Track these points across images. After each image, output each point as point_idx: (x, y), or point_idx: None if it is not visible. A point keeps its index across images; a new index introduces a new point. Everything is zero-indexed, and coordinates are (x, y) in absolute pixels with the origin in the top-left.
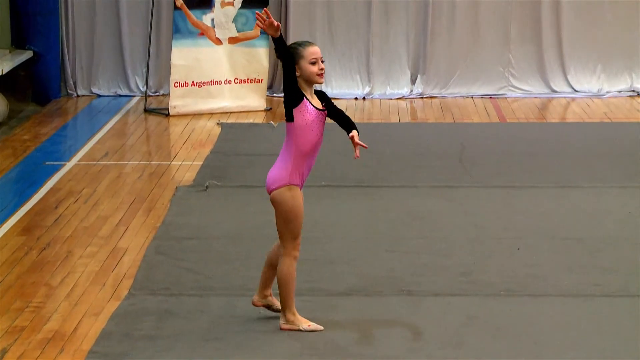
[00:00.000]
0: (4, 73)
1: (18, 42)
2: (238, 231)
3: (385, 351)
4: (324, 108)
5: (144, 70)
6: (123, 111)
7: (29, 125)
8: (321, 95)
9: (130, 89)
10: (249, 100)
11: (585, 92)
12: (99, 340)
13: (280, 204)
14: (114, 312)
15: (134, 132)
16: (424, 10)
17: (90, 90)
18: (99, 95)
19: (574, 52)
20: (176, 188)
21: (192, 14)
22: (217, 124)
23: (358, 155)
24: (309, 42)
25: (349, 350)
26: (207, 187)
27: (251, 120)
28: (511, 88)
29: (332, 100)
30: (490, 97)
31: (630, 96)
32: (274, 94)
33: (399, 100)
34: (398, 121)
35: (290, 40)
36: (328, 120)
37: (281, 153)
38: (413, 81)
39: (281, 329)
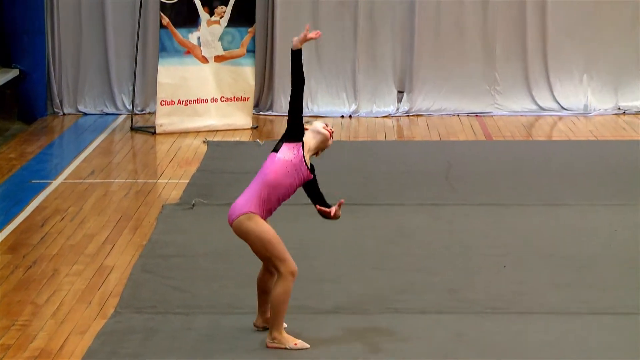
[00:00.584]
0: None
1: (4, 61)
2: (224, 249)
3: None
4: (311, 175)
5: (131, 88)
6: (109, 129)
7: (14, 144)
8: (312, 167)
9: (116, 107)
10: (236, 118)
11: (572, 110)
12: (85, 358)
13: (246, 233)
14: (100, 330)
15: (120, 150)
16: (410, 28)
17: (77, 108)
18: (85, 114)
19: (560, 69)
20: (162, 206)
21: (179, 33)
22: (204, 142)
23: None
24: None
25: None
26: (193, 205)
27: (237, 139)
28: (497, 106)
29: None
30: (477, 115)
31: (616, 114)
32: (260, 112)
33: (385, 119)
34: (384, 139)
35: (277, 59)
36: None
37: (251, 186)
38: (399, 99)
39: (267, 347)
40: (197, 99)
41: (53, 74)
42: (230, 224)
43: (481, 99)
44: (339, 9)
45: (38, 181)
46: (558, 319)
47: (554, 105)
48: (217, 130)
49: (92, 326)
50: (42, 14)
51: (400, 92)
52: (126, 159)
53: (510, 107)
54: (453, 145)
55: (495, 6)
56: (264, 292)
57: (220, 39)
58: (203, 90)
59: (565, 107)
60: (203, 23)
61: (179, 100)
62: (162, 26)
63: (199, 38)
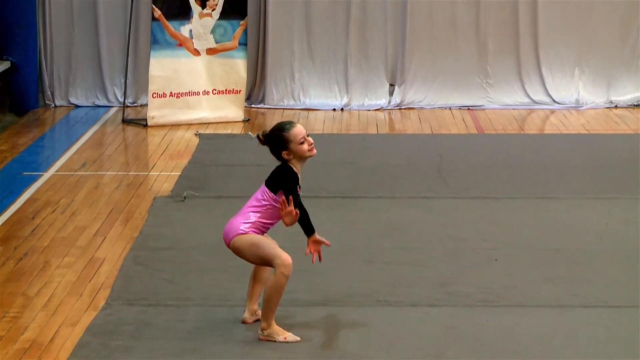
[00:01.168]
0: None
1: None
2: (216, 241)
3: None
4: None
5: (122, 80)
6: (101, 122)
7: (6, 136)
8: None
9: (108, 100)
10: (227, 111)
11: (564, 103)
12: (76, 350)
13: (241, 249)
14: (91, 323)
15: (112, 142)
16: (402, 21)
17: (68, 100)
18: (77, 106)
19: (552, 62)
20: (154, 198)
21: (170, 25)
22: (195, 134)
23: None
24: (289, 123)
25: None
26: (185, 197)
27: (229, 131)
28: (489, 99)
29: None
30: (468, 109)
31: (607, 108)
32: (252, 105)
33: (377, 112)
34: (376, 132)
35: (269, 51)
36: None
37: (249, 207)
38: (391, 92)
39: (259, 339)
40: (189, 92)
41: (45, 66)
42: (227, 245)
43: (473, 92)
44: (332, 2)
45: (29, 173)
46: (549, 312)
47: (546, 99)
48: (209, 123)
49: (83, 318)
50: (33, 6)
51: (392, 85)
52: (118, 152)
53: (502, 101)
54: (445, 138)
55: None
56: (258, 281)
57: (212, 31)
58: (195, 83)
59: (557, 100)
60: (195, 15)
61: (171, 92)
62: (154, 19)
63: (190, 30)
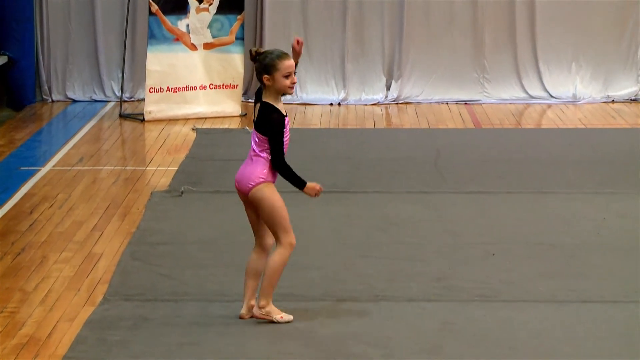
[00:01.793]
0: None
1: None
2: (213, 236)
3: (359, 357)
4: (286, 112)
5: (120, 75)
6: (98, 116)
7: (3, 131)
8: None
9: (105, 95)
10: (224, 105)
11: (561, 98)
12: (74, 345)
13: (262, 199)
14: (88, 318)
15: (109, 137)
16: (399, 16)
17: (66, 95)
18: (74, 101)
19: (549, 57)
20: (151, 193)
21: (167, 20)
22: (192, 129)
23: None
24: (283, 53)
25: (324, 356)
26: (182, 192)
27: (226, 126)
28: (486, 94)
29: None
30: (465, 103)
31: (604, 102)
32: (249, 100)
33: (374, 106)
34: (373, 127)
35: (266, 46)
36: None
37: (253, 155)
38: (388, 87)
39: (255, 315)
40: (186, 86)
41: (42, 60)
42: (246, 193)
43: (470, 87)
44: None
45: (27, 168)
46: (546, 307)
47: (543, 94)
48: (206, 118)
49: (81, 313)
50: (31, 0)
51: (389, 80)
52: (115, 146)
53: (499, 95)
54: (442, 133)
55: None
56: (255, 275)
57: (209, 26)
58: (192, 78)
59: (554, 95)
60: (192, 10)
61: (168, 87)
62: (151, 13)
63: (187, 25)
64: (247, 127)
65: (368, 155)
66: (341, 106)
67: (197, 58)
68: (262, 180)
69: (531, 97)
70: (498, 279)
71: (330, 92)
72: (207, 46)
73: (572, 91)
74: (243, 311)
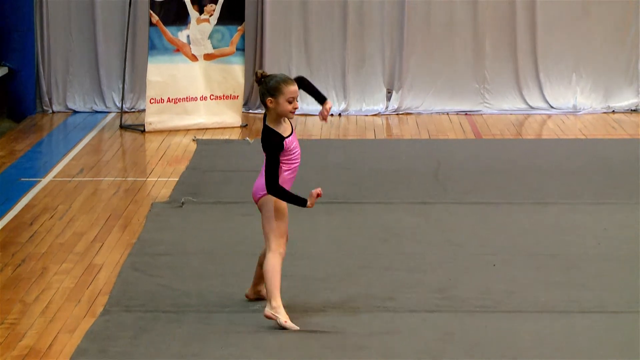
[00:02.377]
0: None
1: None
2: (214, 247)
3: None
4: (292, 130)
5: (120, 86)
6: (99, 127)
7: (3, 142)
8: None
9: (106, 105)
10: (225, 116)
11: (561, 109)
12: (74, 357)
13: (264, 205)
14: (89, 329)
15: (110, 148)
16: (400, 26)
17: (66, 106)
18: (74, 112)
19: (550, 68)
20: (152, 204)
21: (168, 31)
22: (193, 140)
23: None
24: (289, 78)
25: None
26: (182, 203)
27: (227, 137)
28: (487, 104)
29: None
30: (466, 114)
31: (605, 113)
32: (250, 111)
33: (374, 117)
34: (374, 138)
35: (267, 57)
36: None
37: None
38: (388, 98)
39: (265, 314)
40: (187, 97)
41: (42, 71)
42: (256, 202)
43: (471, 98)
44: (329, 7)
45: (27, 179)
46: (548, 317)
47: (544, 105)
48: (207, 129)
49: (81, 325)
50: (31, 11)
51: (390, 90)
52: (115, 157)
53: (500, 106)
54: (442, 143)
55: (484, 5)
56: (262, 266)
57: (210, 37)
58: (192, 89)
59: (554, 106)
60: (192, 21)
61: (169, 98)
62: (151, 24)
63: (188, 36)
64: (247, 138)
65: (369, 166)
66: (342, 117)
67: (197, 69)
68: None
69: (531, 107)
70: (499, 289)
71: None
72: (208, 57)
73: (572, 102)
74: (248, 291)
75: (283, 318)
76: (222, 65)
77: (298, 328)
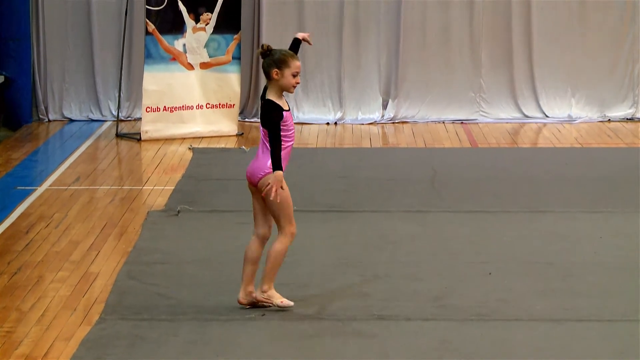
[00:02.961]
0: None
1: None
2: (209, 256)
3: None
4: (289, 106)
5: (116, 95)
6: (95, 136)
7: (0, 150)
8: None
9: (102, 114)
10: (221, 125)
11: (557, 118)
12: None
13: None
14: (85, 337)
15: (106, 157)
16: (395, 35)
17: (62, 115)
18: (71, 120)
19: (545, 77)
20: (148, 213)
21: (164, 39)
22: (189, 148)
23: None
24: (294, 54)
25: None
26: (178, 212)
27: (223, 145)
28: (482, 113)
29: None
30: (462, 122)
31: (601, 121)
32: (246, 119)
33: (370, 126)
34: (370, 146)
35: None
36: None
37: (263, 149)
38: (384, 106)
39: (257, 299)
40: (183, 106)
41: (38, 80)
42: (255, 184)
43: (466, 106)
44: (325, 16)
45: (23, 188)
46: (543, 326)
47: (540, 114)
48: (203, 137)
49: (77, 333)
50: (27, 20)
51: (386, 99)
52: (111, 166)
53: (496, 115)
54: (438, 152)
55: (480, 14)
56: (253, 263)
57: (206, 45)
58: (188, 97)
59: (550, 115)
60: (189, 30)
61: (165, 107)
62: (147, 33)
63: (184, 45)
64: (243, 147)
65: (365, 175)
66: (338, 125)
67: (193, 77)
68: (269, 171)
69: (527, 117)
70: (495, 297)
71: (326, 112)
72: (204, 66)
73: (568, 112)
74: (240, 295)
75: (278, 300)
76: (218, 74)
77: (292, 303)
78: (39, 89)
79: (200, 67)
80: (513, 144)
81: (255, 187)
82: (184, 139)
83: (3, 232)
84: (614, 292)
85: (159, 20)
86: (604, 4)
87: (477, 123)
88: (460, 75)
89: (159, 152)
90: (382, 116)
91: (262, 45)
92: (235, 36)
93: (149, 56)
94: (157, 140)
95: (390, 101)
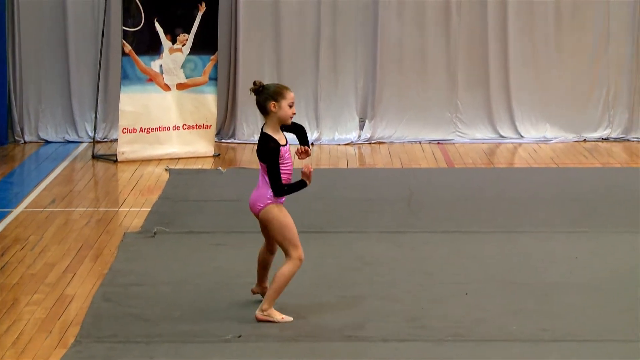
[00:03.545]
0: None
1: None
2: (186, 278)
3: None
4: (286, 141)
5: (93, 116)
6: (71, 157)
7: None
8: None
9: (78, 135)
10: (198, 146)
11: (533, 138)
12: None
13: (271, 220)
14: None
15: (82, 178)
16: (372, 56)
17: (38, 136)
18: (46, 142)
19: (522, 98)
20: (124, 234)
21: (141, 60)
22: (166, 170)
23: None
24: (287, 86)
25: None
26: (155, 233)
27: (199, 166)
28: (459, 133)
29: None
30: (438, 143)
31: (576, 141)
32: (222, 140)
33: (347, 146)
34: (346, 167)
35: (240, 86)
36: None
37: (262, 181)
38: (361, 127)
39: (257, 318)
40: (159, 127)
41: (14, 101)
42: (257, 214)
43: (443, 127)
44: (302, 37)
45: None
46: (519, 346)
47: (515, 134)
48: (179, 158)
49: (53, 356)
50: (3, 40)
51: (362, 119)
52: (87, 187)
53: (472, 135)
54: (415, 172)
55: (457, 35)
56: (264, 267)
57: (183, 66)
58: (165, 118)
59: (525, 135)
60: (165, 51)
61: (141, 128)
62: (124, 54)
63: (161, 66)
64: (220, 168)
65: (341, 195)
66: (314, 146)
67: (170, 98)
68: (269, 202)
69: (503, 137)
70: (471, 318)
71: None
72: (181, 86)
73: (543, 132)
74: (255, 288)
75: (278, 317)
76: (195, 95)
77: (292, 319)
78: (14, 111)
79: (177, 88)
80: (489, 164)
81: (258, 217)
82: (161, 160)
83: None
84: (590, 313)
85: (135, 41)
86: (580, 27)
87: (454, 143)
88: (437, 96)
89: (135, 173)
90: (359, 136)
91: (255, 82)
92: (212, 57)
93: (126, 77)
94: (133, 161)
95: (367, 121)
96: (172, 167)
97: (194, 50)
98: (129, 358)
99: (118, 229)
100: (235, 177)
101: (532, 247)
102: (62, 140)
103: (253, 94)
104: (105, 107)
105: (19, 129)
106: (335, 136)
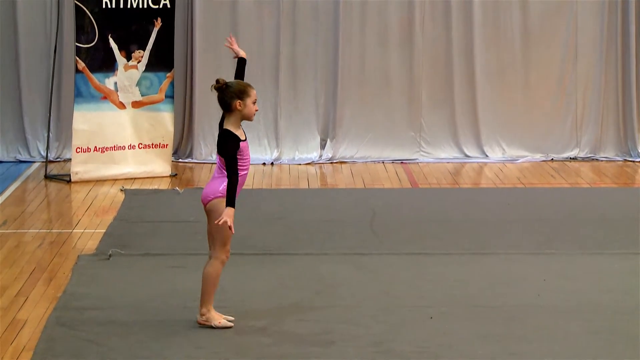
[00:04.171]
0: None
1: None
2: (142, 301)
3: None
4: (245, 137)
5: (45, 135)
6: (23, 177)
7: None
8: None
9: (30, 155)
10: (154, 165)
11: (498, 157)
12: None
13: (215, 212)
14: None
15: (34, 199)
16: (333, 74)
17: None
18: None
19: (487, 117)
20: (78, 257)
21: (95, 78)
22: (121, 190)
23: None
24: (249, 83)
25: None
26: (110, 255)
27: (156, 186)
28: (423, 153)
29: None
30: (402, 162)
31: (544, 160)
32: (179, 160)
33: (308, 166)
34: (307, 187)
35: (197, 104)
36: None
37: (218, 173)
38: (322, 146)
39: (198, 322)
40: (114, 146)
41: None
42: (205, 204)
43: (407, 146)
44: (261, 53)
45: None
46: None
47: (480, 154)
48: (135, 178)
49: None
50: None
51: (324, 139)
52: (40, 208)
53: (437, 154)
54: (378, 193)
55: (420, 53)
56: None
57: (138, 84)
58: (120, 137)
59: (491, 155)
60: (120, 68)
61: (95, 147)
62: (77, 71)
63: (115, 83)
64: (177, 188)
65: (302, 216)
66: (274, 165)
67: (125, 117)
68: (220, 195)
69: (469, 156)
70: (437, 342)
71: (263, 151)
72: (136, 104)
73: (509, 151)
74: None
75: (215, 321)
76: (151, 113)
77: (232, 323)
78: None
79: (132, 106)
80: (454, 184)
81: (205, 210)
82: (116, 180)
83: None
84: (557, 335)
85: (89, 57)
86: (547, 44)
87: (418, 163)
88: (400, 115)
89: (89, 194)
90: (320, 156)
91: (218, 80)
92: (168, 74)
93: (79, 95)
94: (87, 181)
95: (328, 141)
96: (127, 187)
97: (150, 67)
98: None
99: (72, 251)
100: (192, 197)
101: (498, 269)
102: (13, 160)
103: (216, 91)
104: (58, 126)
105: None
106: (296, 156)
